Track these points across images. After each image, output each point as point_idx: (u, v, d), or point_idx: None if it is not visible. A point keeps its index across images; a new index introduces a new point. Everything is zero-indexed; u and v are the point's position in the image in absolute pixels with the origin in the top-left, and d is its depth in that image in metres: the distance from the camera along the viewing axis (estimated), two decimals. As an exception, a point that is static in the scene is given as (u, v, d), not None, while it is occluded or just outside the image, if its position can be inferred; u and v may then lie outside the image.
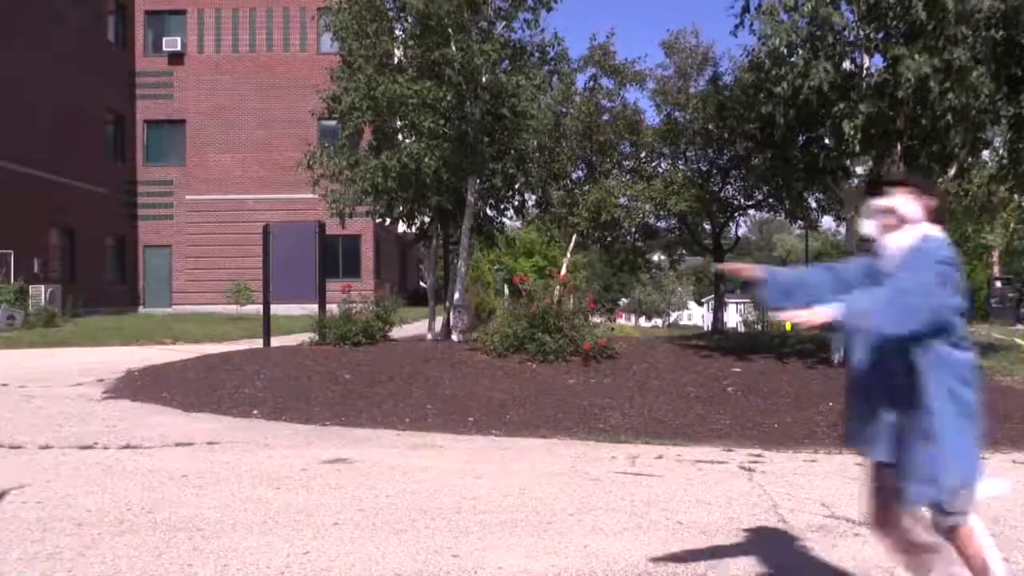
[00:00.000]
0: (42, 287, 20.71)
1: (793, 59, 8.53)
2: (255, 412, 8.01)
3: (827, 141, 9.35)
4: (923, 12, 8.04)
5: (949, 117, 8.22)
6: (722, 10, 10.41)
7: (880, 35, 8.98)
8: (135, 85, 29.17)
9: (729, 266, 3.49)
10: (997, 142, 8.56)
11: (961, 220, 25.77)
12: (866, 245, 3.01)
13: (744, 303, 76.10)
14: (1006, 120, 8.49)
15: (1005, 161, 9.29)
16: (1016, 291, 22.05)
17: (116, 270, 28.22)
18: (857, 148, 8.56)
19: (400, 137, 12.79)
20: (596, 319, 11.21)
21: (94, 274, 26.04)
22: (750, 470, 5.76)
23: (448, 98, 11.34)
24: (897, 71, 8.09)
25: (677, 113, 16.20)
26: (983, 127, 8.28)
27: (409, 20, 11.80)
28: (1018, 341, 13.24)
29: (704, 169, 16.09)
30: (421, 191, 12.53)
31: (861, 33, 8.92)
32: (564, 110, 14.30)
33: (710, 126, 14.93)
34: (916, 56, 7.97)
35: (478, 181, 12.40)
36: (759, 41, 8.93)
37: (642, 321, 73.32)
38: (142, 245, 29.29)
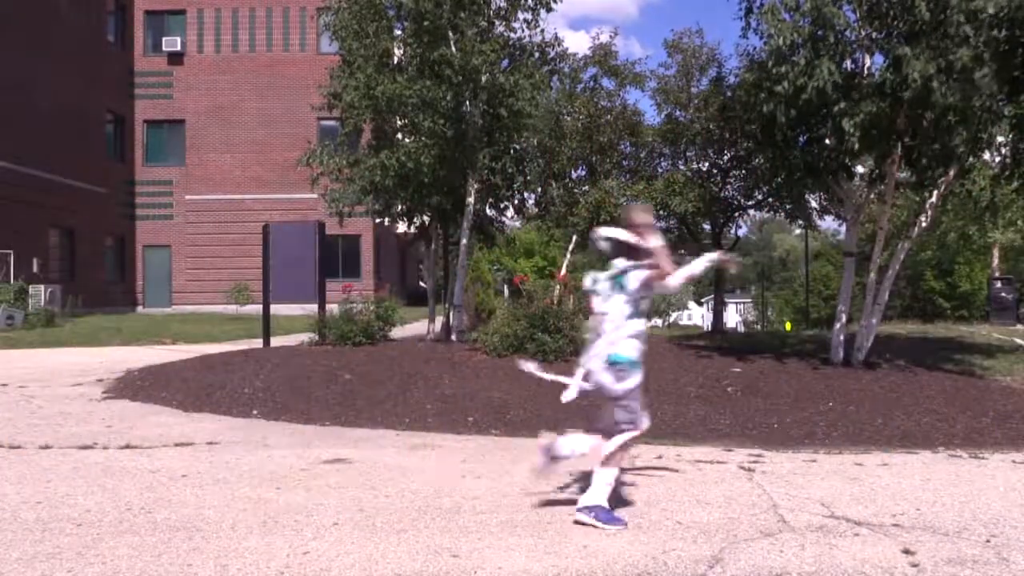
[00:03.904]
0: (42, 287, 20.72)
1: (795, 58, 8.53)
2: (255, 412, 8.01)
3: (828, 141, 9.35)
4: (926, 12, 8.03)
5: (951, 117, 8.22)
6: (729, 13, 10.42)
7: (882, 35, 8.98)
8: (135, 85, 29.18)
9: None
10: (1000, 140, 8.54)
11: (965, 220, 25.77)
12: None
13: (744, 303, 76.20)
14: (1007, 121, 8.48)
15: (1008, 161, 9.28)
16: (1016, 291, 22.04)
17: (116, 270, 28.24)
18: (856, 146, 8.56)
19: (400, 136, 12.79)
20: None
21: (94, 274, 26.05)
22: (750, 470, 5.76)
23: (448, 98, 11.34)
24: (902, 72, 8.08)
25: (679, 113, 16.19)
26: (984, 127, 8.27)
27: (408, 21, 11.78)
28: (1018, 341, 13.24)
29: (704, 169, 16.07)
30: (420, 190, 12.53)
31: (863, 32, 8.91)
32: (564, 108, 14.30)
33: (711, 126, 14.92)
34: (921, 56, 7.97)
35: (476, 182, 12.39)
36: (762, 40, 8.93)
37: (642, 321, 73.10)
38: (141, 245, 29.29)
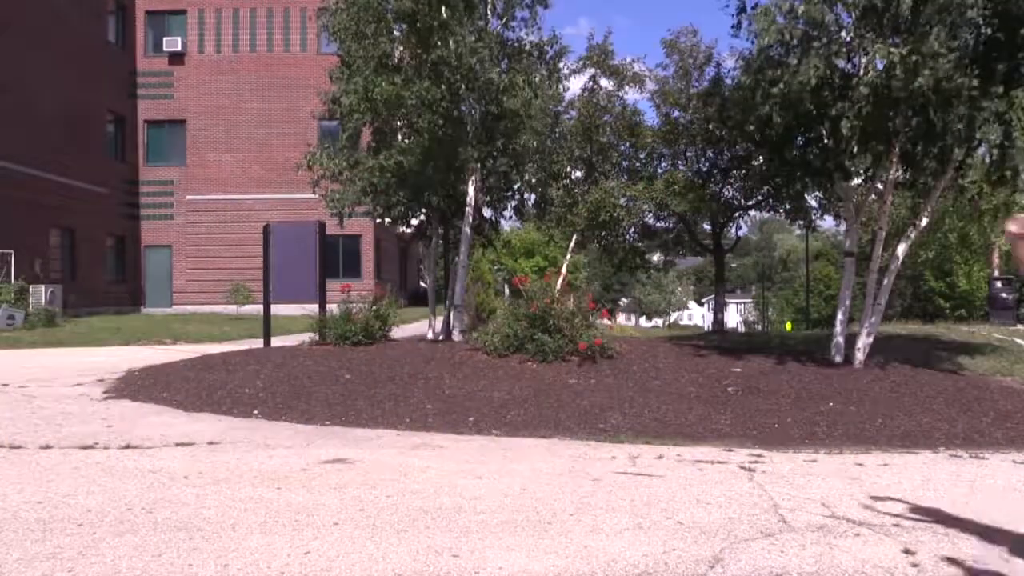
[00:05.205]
0: (42, 287, 20.73)
1: (788, 59, 8.56)
2: (255, 412, 8.01)
3: (826, 141, 9.36)
4: (907, 10, 8.09)
5: (937, 115, 8.26)
6: (720, 9, 10.45)
7: (873, 34, 9.00)
8: (136, 85, 29.19)
9: None
10: (992, 138, 8.53)
11: (965, 221, 25.74)
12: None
13: (744, 303, 76.30)
14: (994, 116, 8.46)
15: (996, 159, 9.27)
16: (1016, 291, 22.04)
17: (116, 270, 28.25)
18: (853, 147, 8.58)
19: (399, 137, 12.80)
20: (602, 320, 11.22)
21: (94, 274, 26.06)
22: (750, 470, 5.76)
23: (446, 98, 11.34)
24: (884, 62, 8.17)
25: (677, 113, 16.20)
26: (973, 124, 8.29)
27: (403, 22, 11.77)
28: (1018, 341, 13.25)
29: (704, 169, 16.09)
30: (419, 190, 12.54)
31: (856, 33, 8.93)
32: (556, 108, 14.32)
33: (711, 126, 14.93)
34: (891, 48, 8.05)
35: (475, 182, 12.40)
36: (749, 40, 8.98)
37: (642, 321, 73.42)
38: (142, 245, 29.31)
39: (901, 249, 10.06)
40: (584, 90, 16.44)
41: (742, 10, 9.39)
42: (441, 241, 14.70)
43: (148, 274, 29.43)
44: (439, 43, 11.12)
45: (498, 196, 13.97)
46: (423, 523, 4.36)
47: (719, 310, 17.84)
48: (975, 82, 8.11)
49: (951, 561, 3.82)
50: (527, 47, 12.62)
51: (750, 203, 16.32)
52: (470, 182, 12.40)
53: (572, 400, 8.05)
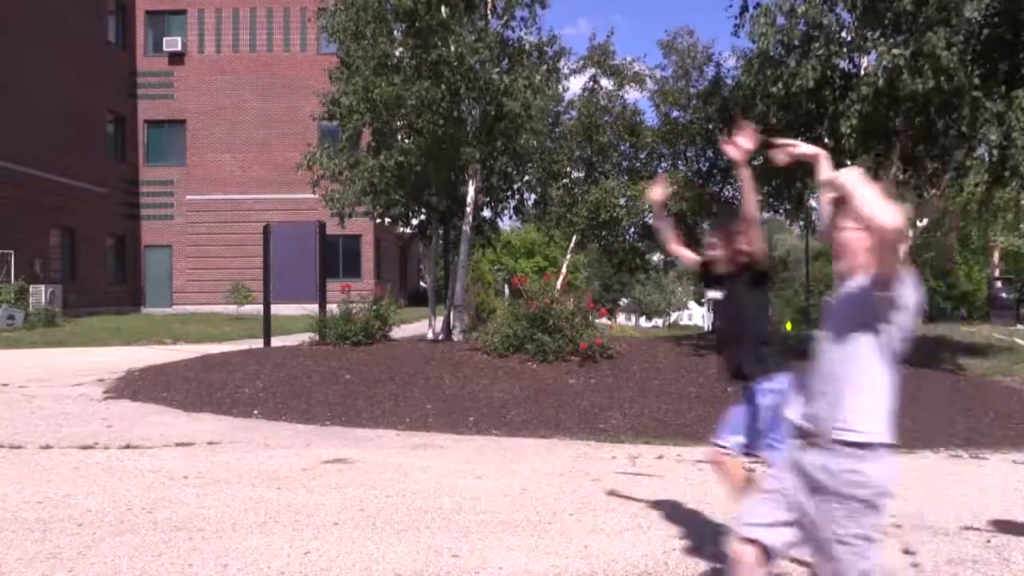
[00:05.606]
0: (42, 287, 20.72)
1: (788, 59, 8.59)
2: (255, 412, 8.01)
3: (826, 141, 9.37)
4: (909, 2, 8.11)
5: (937, 116, 8.27)
6: (724, 10, 10.52)
7: (876, 34, 9.02)
8: (136, 85, 29.17)
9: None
10: (993, 138, 8.52)
11: (966, 222, 25.75)
12: None
13: (744, 303, 75.78)
14: (993, 115, 8.47)
15: (995, 159, 9.27)
16: (1016, 291, 22.04)
17: (116, 270, 28.22)
18: (854, 147, 8.60)
19: (400, 137, 12.81)
20: (601, 320, 11.20)
21: (94, 274, 26.04)
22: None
23: (447, 98, 11.35)
24: (882, 63, 8.18)
25: (677, 113, 16.21)
26: (973, 124, 8.30)
27: (403, 22, 11.77)
28: (1018, 341, 13.25)
29: (704, 169, 16.10)
30: (418, 191, 12.55)
31: (857, 33, 8.95)
32: (556, 108, 14.34)
33: (711, 126, 14.93)
34: (893, 49, 8.06)
35: (475, 182, 12.41)
36: (751, 40, 9.01)
37: (642, 321, 73.35)
38: (142, 245, 29.29)
39: (901, 249, 10.06)
40: (584, 90, 16.45)
41: (744, 10, 9.41)
42: (441, 241, 14.70)
43: (148, 274, 29.40)
44: (439, 43, 11.12)
45: (498, 196, 13.97)
46: (423, 523, 4.36)
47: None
48: (977, 81, 8.12)
49: (951, 561, 3.82)
50: (527, 47, 12.63)
51: (750, 203, 16.30)
52: (470, 182, 12.40)
53: (572, 400, 8.05)
